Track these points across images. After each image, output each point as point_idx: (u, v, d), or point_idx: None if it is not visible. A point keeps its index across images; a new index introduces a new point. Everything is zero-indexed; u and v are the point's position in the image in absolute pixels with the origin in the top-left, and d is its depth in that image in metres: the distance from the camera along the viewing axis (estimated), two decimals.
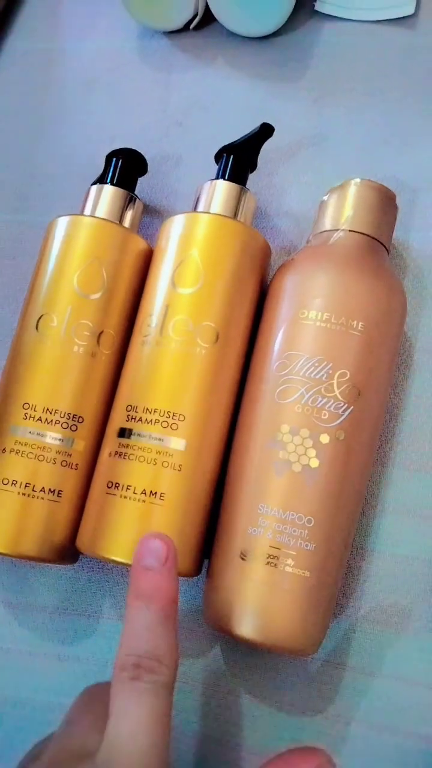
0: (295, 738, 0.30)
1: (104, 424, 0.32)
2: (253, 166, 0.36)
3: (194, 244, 0.31)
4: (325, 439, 0.28)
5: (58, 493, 0.30)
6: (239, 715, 0.30)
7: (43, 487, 0.30)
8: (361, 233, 0.32)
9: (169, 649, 0.23)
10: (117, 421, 0.30)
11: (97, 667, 0.32)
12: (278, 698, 0.30)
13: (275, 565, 0.27)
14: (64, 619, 0.33)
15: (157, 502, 0.28)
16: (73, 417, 0.31)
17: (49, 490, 0.30)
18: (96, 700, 0.25)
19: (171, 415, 0.29)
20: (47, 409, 0.30)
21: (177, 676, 0.23)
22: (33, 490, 0.29)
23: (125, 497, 0.28)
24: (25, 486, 0.29)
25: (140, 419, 0.29)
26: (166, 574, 0.24)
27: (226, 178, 0.34)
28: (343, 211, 0.32)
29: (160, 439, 0.29)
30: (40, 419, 0.30)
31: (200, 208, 0.33)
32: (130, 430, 0.29)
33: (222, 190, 0.33)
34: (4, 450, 0.30)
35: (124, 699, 0.22)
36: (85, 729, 0.24)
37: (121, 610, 0.33)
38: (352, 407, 0.28)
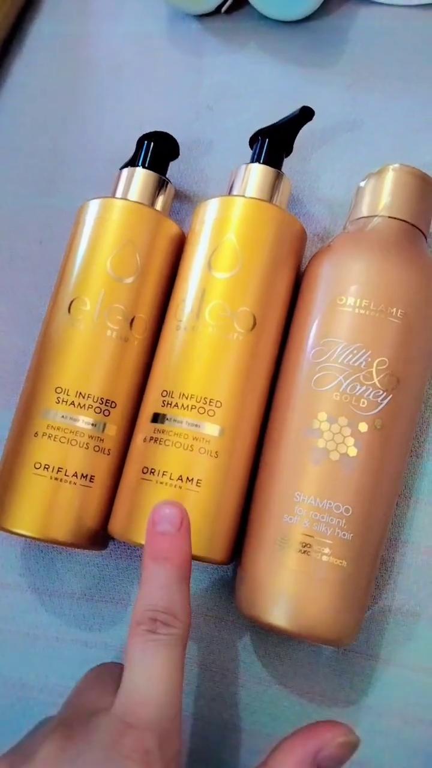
0: None
1: (136, 409, 0.31)
2: (288, 151, 0.35)
3: (231, 228, 0.31)
4: (363, 427, 0.27)
5: (90, 478, 0.30)
6: (269, 704, 0.30)
7: (76, 472, 0.29)
8: (399, 219, 0.31)
9: (183, 606, 0.24)
10: (151, 406, 0.30)
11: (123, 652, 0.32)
12: (309, 689, 0.30)
13: (311, 553, 0.27)
14: (92, 605, 0.33)
15: (193, 489, 0.28)
16: (106, 402, 0.30)
17: (82, 475, 0.29)
18: (105, 674, 0.26)
19: (208, 401, 0.28)
20: (80, 394, 0.30)
21: (189, 632, 0.24)
22: (65, 475, 0.29)
23: (161, 483, 0.28)
24: (57, 470, 0.29)
25: (176, 405, 0.29)
26: (181, 537, 0.25)
27: (262, 161, 0.34)
28: (381, 197, 0.32)
29: (196, 425, 0.28)
30: (72, 403, 0.30)
31: (235, 191, 0.33)
32: (166, 416, 0.29)
33: (258, 173, 0.33)
34: (36, 434, 0.30)
35: (141, 650, 0.23)
36: (97, 694, 0.25)
37: None
38: (390, 396, 0.28)
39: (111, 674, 0.26)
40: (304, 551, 0.27)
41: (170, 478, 0.28)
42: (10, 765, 0.22)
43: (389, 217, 0.31)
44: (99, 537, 0.30)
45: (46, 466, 0.29)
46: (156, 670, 0.23)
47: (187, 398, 0.29)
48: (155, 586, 0.24)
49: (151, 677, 0.23)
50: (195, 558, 0.28)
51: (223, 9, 0.42)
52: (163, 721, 0.22)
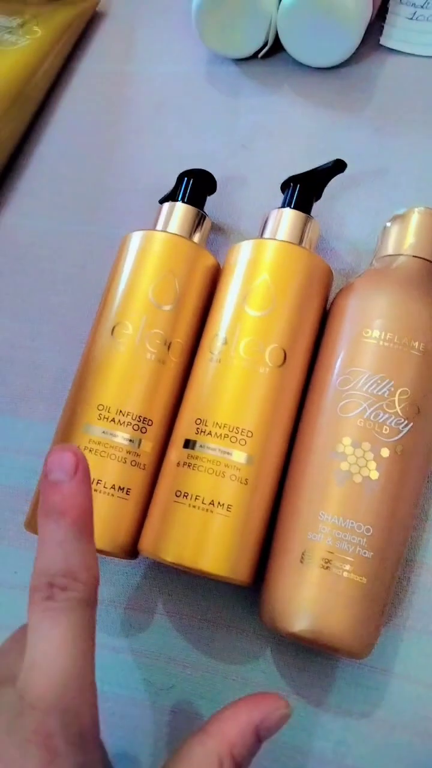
0: (340, 739, 0.31)
1: (170, 427, 0.33)
2: (317, 196, 0.37)
3: (265, 269, 0.33)
4: (385, 452, 0.29)
5: (127, 491, 0.32)
6: None
7: (114, 485, 0.31)
8: (423, 258, 0.33)
9: (83, 565, 0.22)
10: (184, 431, 0.32)
11: (150, 660, 0.34)
12: (325, 700, 0.32)
13: (333, 569, 0.28)
14: (120, 612, 0.35)
15: (223, 513, 0.30)
16: (143, 420, 0.32)
17: (119, 487, 0.32)
18: (24, 634, 0.24)
19: (240, 430, 0.30)
20: (120, 411, 0.32)
21: (98, 591, 0.22)
22: (104, 487, 0.31)
23: (193, 506, 0.30)
24: (97, 482, 0.31)
25: (209, 432, 0.31)
26: (76, 487, 0.22)
27: (293, 206, 0.36)
28: (406, 237, 0.34)
29: (228, 453, 0.30)
30: (113, 420, 0.32)
31: (267, 234, 0.35)
32: (199, 443, 0.31)
33: (289, 218, 0.35)
34: (78, 448, 0.32)
35: (39, 620, 0.21)
36: (12, 657, 0.23)
37: (176, 607, 0.34)
38: (411, 423, 0.30)
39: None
40: (326, 567, 0.28)
41: (202, 503, 0.30)
42: None
43: (413, 256, 0.33)
44: (132, 547, 0.32)
45: None
46: (56, 642, 0.21)
47: (220, 427, 0.31)
48: (50, 545, 0.22)
49: (50, 650, 0.20)
50: (221, 578, 0.30)
51: (260, 54, 0.45)
52: (68, 697, 0.20)
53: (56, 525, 0.22)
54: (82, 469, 0.23)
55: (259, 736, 0.23)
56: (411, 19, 0.43)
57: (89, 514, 0.23)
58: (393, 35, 0.44)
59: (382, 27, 0.44)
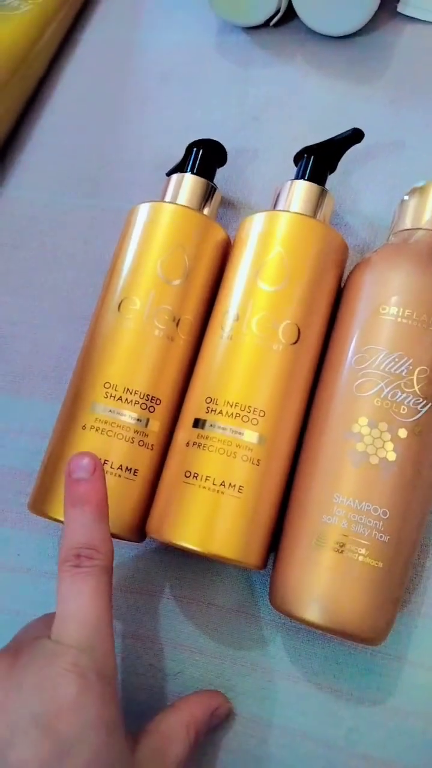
0: (352, 726, 0.30)
1: (179, 407, 0.32)
2: (332, 169, 0.36)
3: (278, 242, 0.32)
4: (403, 433, 0.28)
5: (134, 472, 0.31)
6: (298, 700, 0.31)
7: (121, 465, 0.30)
8: None
9: (103, 540, 0.27)
10: (194, 410, 0.31)
11: (157, 645, 0.33)
12: (337, 686, 0.31)
13: (347, 553, 0.27)
14: (126, 596, 0.34)
15: (234, 494, 0.29)
16: (152, 398, 0.31)
17: (126, 468, 0.30)
18: (50, 616, 0.28)
19: (252, 410, 0.29)
20: (127, 389, 0.31)
21: (112, 563, 0.27)
22: (111, 467, 0.30)
23: (203, 487, 0.29)
24: (104, 462, 0.30)
25: (220, 412, 0.30)
26: (95, 482, 0.27)
27: (307, 178, 0.35)
28: (425, 211, 0.33)
29: (240, 433, 0.29)
30: (120, 398, 0.31)
31: (281, 206, 0.34)
32: (210, 422, 0.30)
33: (303, 189, 0.34)
34: (84, 427, 0.31)
35: (70, 582, 0.26)
36: (41, 627, 0.28)
37: (183, 591, 0.33)
38: (430, 404, 0.29)
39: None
40: (341, 551, 0.27)
41: (213, 483, 0.29)
42: None
43: None
44: (139, 529, 0.31)
45: None
46: (85, 598, 0.25)
47: (232, 406, 0.29)
48: (76, 526, 0.27)
49: (81, 604, 0.25)
50: (231, 561, 0.29)
51: (272, 23, 0.43)
52: (96, 640, 0.25)
53: (80, 510, 0.27)
54: (98, 468, 0.28)
55: (213, 718, 0.30)
56: None
57: (106, 502, 0.27)
58: (411, 2, 0.42)
59: None
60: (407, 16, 0.42)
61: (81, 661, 0.24)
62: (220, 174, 0.40)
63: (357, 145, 0.37)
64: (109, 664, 0.25)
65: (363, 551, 0.27)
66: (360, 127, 0.36)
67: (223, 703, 0.30)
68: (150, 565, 0.34)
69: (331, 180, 0.37)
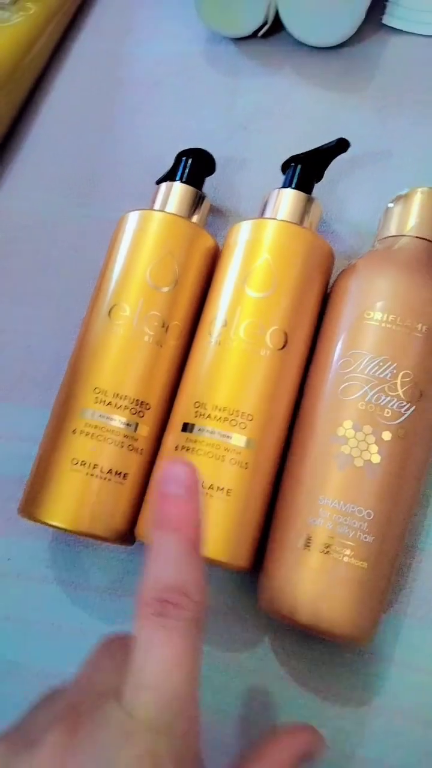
0: (339, 727, 0.30)
1: (168, 412, 0.33)
2: (319, 177, 0.37)
3: (265, 249, 0.32)
4: (387, 436, 0.29)
5: (124, 476, 0.31)
6: (285, 701, 0.31)
7: (110, 469, 0.31)
8: (425, 239, 0.32)
9: (197, 583, 0.21)
10: (183, 415, 0.31)
11: None
12: (324, 688, 0.31)
13: (333, 554, 0.28)
14: (115, 599, 0.34)
15: (222, 497, 0.29)
16: (141, 403, 0.32)
17: (116, 472, 0.31)
18: (116, 647, 0.24)
19: (240, 414, 0.30)
20: (117, 394, 0.31)
21: (206, 612, 0.22)
22: (100, 471, 0.31)
23: None
24: (93, 467, 0.31)
25: (209, 416, 0.30)
26: (191, 502, 0.22)
27: (294, 186, 0.35)
28: (409, 218, 0.33)
29: (228, 437, 0.30)
30: (110, 403, 0.31)
31: (268, 214, 0.35)
32: (198, 426, 0.30)
33: (290, 198, 0.34)
34: (74, 431, 0.31)
35: (149, 638, 0.21)
36: (108, 671, 0.22)
37: None
38: (414, 407, 0.29)
39: (122, 647, 0.23)
40: (327, 552, 0.28)
41: (201, 487, 0.29)
42: (10, 748, 0.20)
43: (416, 237, 0.33)
44: (128, 533, 0.32)
45: (83, 462, 0.31)
46: (168, 663, 0.20)
47: (220, 410, 0.30)
48: (164, 561, 0.22)
49: (162, 671, 0.20)
50: (219, 564, 0.29)
51: (260, 33, 0.44)
52: (178, 720, 0.20)
53: (170, 539, 0.22)
54: (195, 483, 0.23)
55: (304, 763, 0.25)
56: None
57: (201, 529, 0.22)
58: (396, 14, 0.43)
59: (385, 5, 0.43)
60: (392, 27, 0.43)
61: (158, 748, 0.19)
62: (210, 182, 0.40)
63: (344, 154, 0.37)
64: (191, 749, 0.20)
65: (348, 552, 0.28)
66: (347, 137, 0.37)
67: (317, 743, 0.26)
68: (138, 568, 0.34)
69: (319, 188, 0.38)
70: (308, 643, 0.32)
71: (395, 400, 0.29)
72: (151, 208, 0.36)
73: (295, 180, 0.36)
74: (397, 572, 0.32)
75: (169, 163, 0.38)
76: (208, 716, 0.31)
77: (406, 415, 0.29)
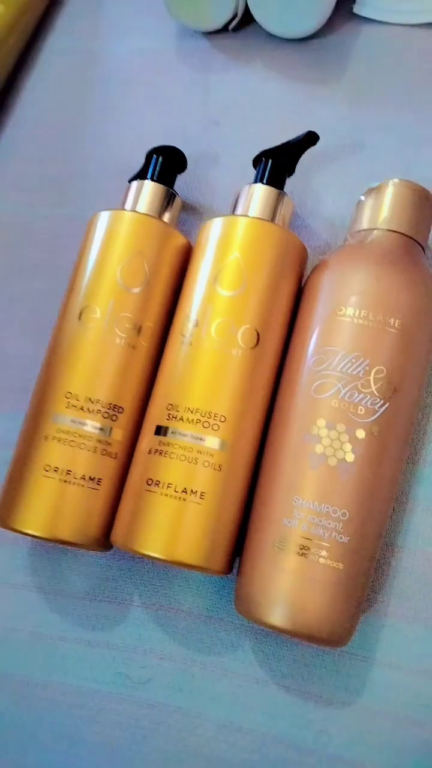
0: (322, 728, 0.30)
1: (142, 415, 0.32)
2: (290, 171, 0.36)
3: (236, 247, 0.32)
4: (360, 434, 0.28)
5: (98, 481, 0.31)
6: (267, 704, 0.31)
7: (84, 475, 0.30)
8: (398, 232, 0.32)
9: None
10: (156, 417, 0.31)
11: (126, 653, 0.33)
12: (305, 689, 0.31)
13: (309, 556, 0.27)
14: (95, 605, 0.34)
15: (197, 501, 0.29)
16: (114, 407, 0.31)
17: (89, 477, 0.30)
18: None
19: (213, 415, 0.29)
20: (89, 399, 0.31)
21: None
22: (74, 477, 0.30)
23: (165, 495, 0.29)
24: (66, 473, 0.30)
25: (181, 418, 0.30)
26: None
27: (265, 182, 0.35)
28: (381, 210, 0.33)
29: (201, 439, 0.29)
30: (82, 408, 0.31)
31: (239, 211, 0.34)
32: (171, 429, 0.30)
33: (261, 193, 0.34)
34: (46, 437, 0.31)
35: None
36: None
37: (152, 598, 0.33)
38: (387, 404, 0.29)
39: None
40: (302, 554, 0.28)
41: (174, 491, 0.29)
42: None
43: (388, 230, 0.32)
44: (104, 539, 0.31)
45: (56, 469, 0.30)
46: None
47: (192, 412, 0.29)
48: None
49: None
50: (196, 568, 0.29)
51: (231, 27, 0.44)
52: None
53: None
54: None
55: None
56: None
57: None
58: (366, 3, 0.42)
59: None
60: (363, 17, 0.42)
61: None
62: (183, 178, 0.40)
63: (317, 147, 0.37)
64: None
65: (324, 553, 0.27)
66: (319, 129, 0.36)
67: None
68: (117, 573, 0.34)
69: (293, 181, 0.38)
70: (289, 645, 0.31)
71: (369, 397, 0.29)
72: (122, 208, 0.35)
73: (266, 175, 0.35)
74: (376, 571, 0.31)
75: (143, 160, 0.38)
76: (189, 720, 0.31)
77: (380, 412, 0.29)
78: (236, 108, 0.43)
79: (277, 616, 0.27)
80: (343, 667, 0.31)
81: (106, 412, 0.31)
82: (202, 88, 0.44)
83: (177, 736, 0.31)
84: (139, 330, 0.32)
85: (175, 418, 0.30)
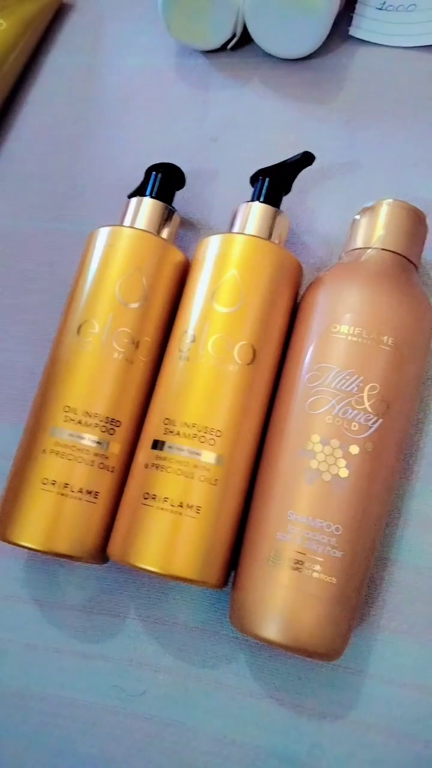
0: (315, 742, 0.30)
1: (139, 429, 0.33)
2: (287, 190, 0.37)
3: (233, 264, 0.32)
4: (354, 450, 0.29)
5: (95, 495, 0.31)
6: (261, 717, 0.31)
7: (81, 488, 0.31)
8: (391, 251, 0.33)
9: None
10: (153, 432, 0.31)
11: (122, 666, 0.33)
12: (299, 702, 0.31)
13: (303, 570, 0.28)
14: (91, 618, 0.34)
15: (192, 515, 0.29)
16: (112, 421, 0.32)
17: (87, 491, 0.31)
18: None
19: (209, 430, 0.30)
20: (87, 413, 0.31)
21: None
22: (71, 491, 0.31)
23: (162, 509, 0.29)
24: (64, 486, 0.30)
25: (178, 432, 0.30)
26: None
27: (262, 200, 0.35)
28: (375, 230, 0.33)
29: (197, 454, 0.30)
30: (80, 422, 0.31)
31: (236, 228, 0.35)
32: (168, 443, 0.30)
33: (258, 212, 0.35)
34: (44, 451, 0.31)
35: None
36: None
37: (147, 611, 0.33)
38: (381, 420, 0.29)
39: None
40: (296, 568, 0.28)
41: (171, 505, 0.29)
42: None
43: (382, 249, 0.33)
44: (101, 552, 0.32)
45: (53, 482, 0.30)
46: None
47: (189, 427, 0.30)
48: None
49: None
50: (191, 582, 0.29)
51: (229, 46, 0.44)
52: None
53: None
54: None
55: None
56: (380, 9, 0.43)
57: None
58: (362, 25, 0.43)
59: (352, 17, 0.43)
60: (359, 39, 0.43)
61: None
62: (181, 195, 0.40)
63: (313, 166, 0.37)
64: None
65: (318, 568, 0.28)
66: (316, 148, 0.37)
67: None
68: (114, 586, 0.34)
69: (289, 200, 0.38)
70: (283, 659, 0.32)
71: (362, 413, 0.29)
72: (121, 224, 0.36)
73: (263, 193, 0.36)
74: (369, 585, 0.32)
75: (142, 176, 0.38)
76: (184, 733, 0.31)
77: (373, 428, 0.29)
78: (234, 125, 0.43)
79: (271, 629, 0.28)
80: (336, 681, 0.31)
81: (104, 426, 0.32)
82: (201, 106, 0.44)
83: (171, 748, 0.31)
84: (137, 345, 0.33)
85: (172, 432, 0.30)
